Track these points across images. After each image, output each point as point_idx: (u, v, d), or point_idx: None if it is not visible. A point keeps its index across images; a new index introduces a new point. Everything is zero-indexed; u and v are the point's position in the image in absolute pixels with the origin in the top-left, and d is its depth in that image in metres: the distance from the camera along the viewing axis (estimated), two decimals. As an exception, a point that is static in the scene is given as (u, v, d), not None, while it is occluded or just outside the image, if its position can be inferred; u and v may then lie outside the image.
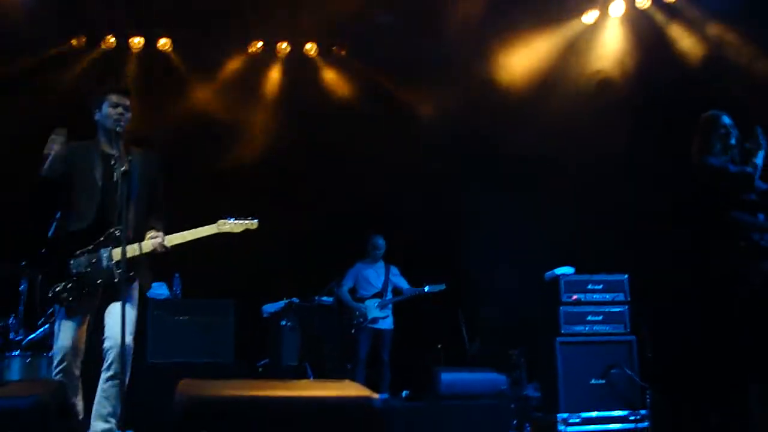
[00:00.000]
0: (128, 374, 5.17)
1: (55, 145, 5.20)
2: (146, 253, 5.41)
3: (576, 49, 9.83)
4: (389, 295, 9.55)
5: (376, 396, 4.07)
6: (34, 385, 4.90)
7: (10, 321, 7.67)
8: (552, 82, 9.84)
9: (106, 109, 5.43)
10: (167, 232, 5.50)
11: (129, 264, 5.21)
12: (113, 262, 5.32)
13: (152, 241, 5.42)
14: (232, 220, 5.60)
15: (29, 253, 5.76)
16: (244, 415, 3.74)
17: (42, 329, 7.22)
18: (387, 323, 9.50)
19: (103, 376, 5.26)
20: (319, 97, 10.75)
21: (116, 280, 5.27)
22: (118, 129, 5.35)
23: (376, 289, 9.53)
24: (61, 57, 9.87)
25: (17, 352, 7.30)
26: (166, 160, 5.77)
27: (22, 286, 7.71)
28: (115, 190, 5.29)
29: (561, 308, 7.51)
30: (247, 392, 3.89)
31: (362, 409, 4.01)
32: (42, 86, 9.48)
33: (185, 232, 5.52)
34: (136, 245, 5.32)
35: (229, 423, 3.69)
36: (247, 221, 5.65)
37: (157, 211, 5.60)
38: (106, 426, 5.22)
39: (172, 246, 5.47)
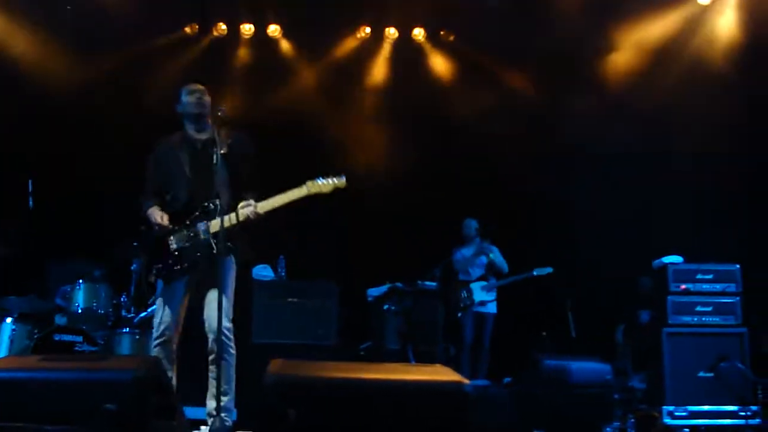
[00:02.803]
0: (230, 357, 5.44)
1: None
2: (242, 222, 5.43)
3: (690, 31, 9.51)
4: (493, 279, 9.48)
5: (466, 381, 4.03)
6: (133, 360, 5.07)
7: (123, 299, 7.97)
8: (666, 64, 9.56)
9: (185, 97, 5.67)
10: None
11: (226, 234, 5.28)
12: (210, 234, 5.42)
13: (245, 209, 5.44)
14: (320, 180, 5.50)
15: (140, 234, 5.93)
16: (330, 396, 3.76)
17: (152, 308, 7.45)
18: (491, 307, 9.44)
19: (209, 358, 5.45)
20: (426, 82, 10.72)
21: (215, 252, 5.35)
22: (205, 112, 5.58)
23: (480, 271, 9.49)
24: (174, 45, 10.15)
25: (127, 329, 7.58)
26: (257, 142, 5.85)
27: (134, 266, 7.98)
28: (208, 173, 5.37)
29: (669, 298, 7.25)
30: (334, 374, 3.91)
31: (452, 394, 3.97)
32: (153, 73, 9.77)
33: (276, 197, 5.51)
34: (231, 215, 5.38)
35: (315, 403, 3.73)
36: (335, 179, 5.52)
37: (252, 191, 5.56)
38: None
39: (265, 212, 5.47)
